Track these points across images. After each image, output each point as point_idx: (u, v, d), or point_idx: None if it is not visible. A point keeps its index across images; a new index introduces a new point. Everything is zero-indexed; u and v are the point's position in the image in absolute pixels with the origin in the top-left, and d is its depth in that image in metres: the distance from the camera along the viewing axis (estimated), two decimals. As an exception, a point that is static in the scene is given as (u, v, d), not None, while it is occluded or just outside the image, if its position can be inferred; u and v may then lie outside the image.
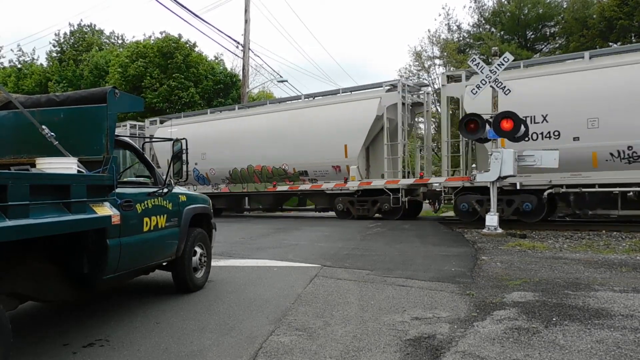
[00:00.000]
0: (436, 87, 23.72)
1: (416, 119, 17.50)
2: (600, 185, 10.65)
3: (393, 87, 14.55)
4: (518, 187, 11.47)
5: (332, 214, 16.18)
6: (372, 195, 14.34)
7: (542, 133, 11.11)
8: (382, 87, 14.75)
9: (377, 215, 14.53)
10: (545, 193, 11.18)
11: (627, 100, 10.07)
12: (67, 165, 3.54)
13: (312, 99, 16.20)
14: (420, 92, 15.60)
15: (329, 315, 4.29)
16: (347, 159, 14.59)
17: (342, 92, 15.72)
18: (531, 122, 10.93)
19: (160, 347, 3.60)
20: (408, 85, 14.86)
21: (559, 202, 11.98)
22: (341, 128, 14.45)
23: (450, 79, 13.35)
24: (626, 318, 3.94)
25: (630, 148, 10.18)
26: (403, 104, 14.20)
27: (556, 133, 10.90)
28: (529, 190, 11.39)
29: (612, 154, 10.39)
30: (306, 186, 15.60)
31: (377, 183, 14.19)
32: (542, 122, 11.07)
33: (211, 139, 17.08)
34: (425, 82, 15.19)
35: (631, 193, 10.64)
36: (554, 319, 3.97)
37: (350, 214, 14.83)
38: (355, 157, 14.48)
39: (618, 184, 10.50)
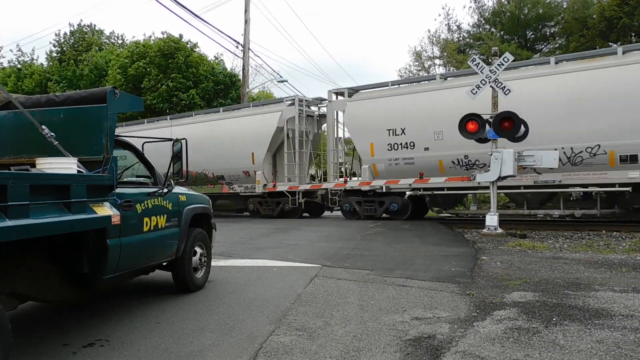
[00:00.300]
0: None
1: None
2: (449, 189, 12.78)
3: (294, 102, 16.11)
4: (384, 190, 13.54)
5: (332, 214, 17.40)
6: (277, 197, 16.17)
7: (401, 143, 13.22)
8: (283, 102, 16.59)
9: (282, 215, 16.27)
10: (406, 195, 13.40)
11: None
12: (67, 165, 3.54)
13: (230, 111, 18.02)
14: (323, 104, 16.79)
15: (329, 315, 4.29)
16: (254, 165, 16.24)
17: (253, 106, 17.58)
18: (393, 135, 13.24)
19: (160, 347, 3.60)
20: (307, 100, 16.39)
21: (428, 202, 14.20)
22: (249, 138, 16.09)
23: (336, 94, 15.26)
24: (626, 318, 3.94)
25: (466, 157, 12.24)
26: (301, 116, 15.90)
27: (412, 144, 13.00)
28: (396, 193, 13.57)
29: (453, 162, 12.46)
30: (306, 186, 15.79)
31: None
32: (401, 134, 13.13)
33: (145, 147, 18.29)
34: (325, 97, 16.61)
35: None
36: (554, 319, 3.97)
37: (259, 213, 16.63)
38: (260, 163, 16.14)
39: (459, 187, 12.45)
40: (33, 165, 3.63)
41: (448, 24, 32.76)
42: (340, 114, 15.17)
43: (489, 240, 9.11)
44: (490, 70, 9.86)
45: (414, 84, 14.04)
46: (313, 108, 16.85)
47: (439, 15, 70.15)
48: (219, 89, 25.79)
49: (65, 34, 34.64)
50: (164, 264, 5.06)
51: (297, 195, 15.63)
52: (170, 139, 5.21)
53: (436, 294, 4.96)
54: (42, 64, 35.05)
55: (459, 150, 12.03)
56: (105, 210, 3.57)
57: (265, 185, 16.10)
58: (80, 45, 33.37)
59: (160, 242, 4.71)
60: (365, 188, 13.91)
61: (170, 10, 55.36)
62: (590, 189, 11.07)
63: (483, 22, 31.90)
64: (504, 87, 9.80)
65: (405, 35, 69.98)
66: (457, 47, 30.54)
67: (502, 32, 30.27)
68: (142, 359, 3.40)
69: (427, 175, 12.76)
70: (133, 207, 4.20)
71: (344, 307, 4.54)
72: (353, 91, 14.80)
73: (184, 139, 5.09)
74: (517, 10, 29.29)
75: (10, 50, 64.38)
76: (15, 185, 2.70)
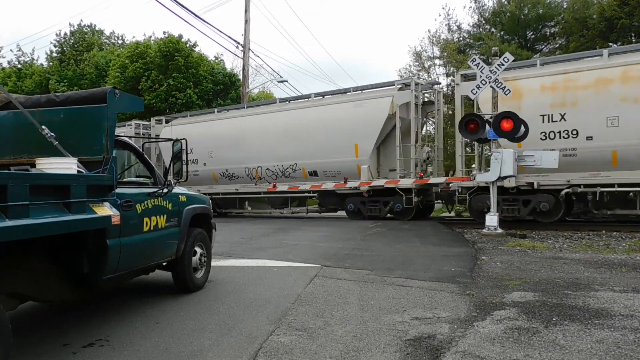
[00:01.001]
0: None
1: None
2: (223, 194, 17.10)
3: (132, 125, 19.22)
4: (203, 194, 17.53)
5: (329, 214, 17.79)
6: None
7: (190, 159, 16.56)
8: (125, 125, 19.12)
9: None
10: (214, 197, 16.40)
11: (228, 140, 16.52)
12: (67, 165, 3.54)
13: None
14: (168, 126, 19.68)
15: (329, 315, 4.29)
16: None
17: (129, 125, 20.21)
18: (192, 152, 16.66)
19: (160, 347, 3.60)
20: (143, 124, 19.55)
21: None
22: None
23: (161, 121, 19.24)
24: (626, 318, 3.94)
25: (227, 170, 16.87)
26: (139, 134, 18.80)
27: (196, 160, 17.24)
28: (210, 194, 16.68)
29: (221, 174, 17.05)
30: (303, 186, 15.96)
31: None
32: (190, 152, 16.11)
33: None
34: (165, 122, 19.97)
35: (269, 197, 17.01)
36: (554, 319, 3.97)
37: None
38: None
39: (229, 192, 16.98)
40: (33, 165, 3.63)
41: (448, 24, 32.70)
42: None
43: (488, 241, 9.11)
44: (490, 71, 9.86)
45: (202, 115, 18.61)
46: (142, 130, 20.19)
47: (439, 15, 70.30)
48: (219, 89, 25.77)
49: (65, 34, 34.60)
50: (164, 264, 5.06)
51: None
52: (170, 139, 5.21)
53: (436, 294, 4.96)
54: (42, 64, 35.03)
55: (223, 165, 16.77)
56: (105, 210, 3.57)
57: None
58: (81, 45, 33.33)
59: (160, 242, 4.71)
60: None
61: (170, 10, 55.32)
62: (303, 194, 15.69)
63: (483, 22, 31.87)
64: (504, 87, 9.81)
65: (405, 35, 69.98)
66: (457, 47, 30.50)
67: (502, 32, 30.25)
68: (142, 359, 3.40)
69: (209, 184, 17.23)
70: (133, 207, 4.20)
71: (344, 307, 4.54)
72: (172, 118, 19.23)
73: (184, 139, 5.08)
74: (517, 10, 29.28)
75: (11, 50, 64.29)
76: (15, 185, 2.70)
